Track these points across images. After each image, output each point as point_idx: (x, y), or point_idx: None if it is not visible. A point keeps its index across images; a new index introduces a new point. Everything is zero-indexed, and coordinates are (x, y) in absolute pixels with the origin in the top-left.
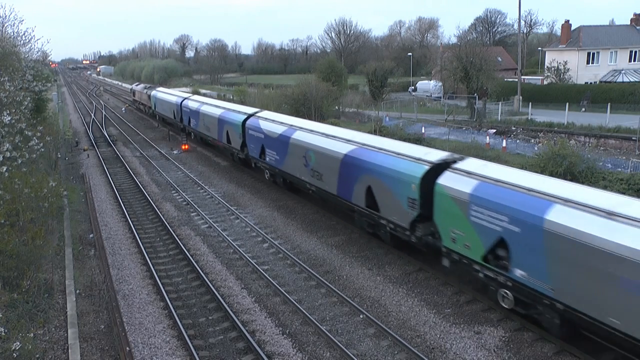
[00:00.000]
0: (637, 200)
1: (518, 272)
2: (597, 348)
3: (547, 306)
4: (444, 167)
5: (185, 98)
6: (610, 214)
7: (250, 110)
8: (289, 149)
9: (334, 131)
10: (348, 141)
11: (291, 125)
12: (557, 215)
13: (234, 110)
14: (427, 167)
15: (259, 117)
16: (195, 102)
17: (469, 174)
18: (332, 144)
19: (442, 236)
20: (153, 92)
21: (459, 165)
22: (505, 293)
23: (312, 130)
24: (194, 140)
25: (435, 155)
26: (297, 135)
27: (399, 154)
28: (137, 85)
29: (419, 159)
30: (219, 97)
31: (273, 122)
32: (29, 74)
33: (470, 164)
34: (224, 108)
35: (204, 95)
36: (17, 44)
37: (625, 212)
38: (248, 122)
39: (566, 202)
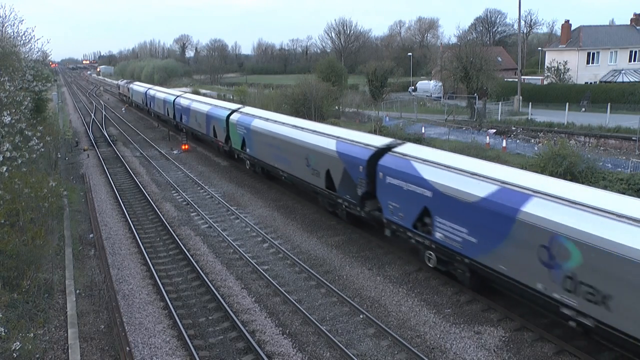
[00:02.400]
0: (307, 121)
1: (248, 151)
2: (597, 348)
3: (252, 163)
4: (235, 111)
5: (149, 88)
6: (295, 127)
7: (178, 92)
8: (190, 113)
9: (210, 101)
10: (210, 105)
11: (192, 100)
12: (255, 123)
13: (171, 94)
14: (228, 112)
15: (181, 97)
16: (155, 91)
17: (241, 112)
18: (205, 107)
19: (232, 143)
20: (130, 85)
21: (240, 110)
22: (248, 163)
23: (200, 102)
24: (154, 118)
25: (235, 106)
26: (194, 105)
27: (223, 107)
28: (120, 81)
29: (228, 109)
30: (219, 97)
31: (185, 99)
32: (29, 74)
33: (244, 109)
34: (167, 94)
35: (204, 95)
36: (17, 44)
37: (299, 124)
38: (176, 100)
39: (260, 118)
